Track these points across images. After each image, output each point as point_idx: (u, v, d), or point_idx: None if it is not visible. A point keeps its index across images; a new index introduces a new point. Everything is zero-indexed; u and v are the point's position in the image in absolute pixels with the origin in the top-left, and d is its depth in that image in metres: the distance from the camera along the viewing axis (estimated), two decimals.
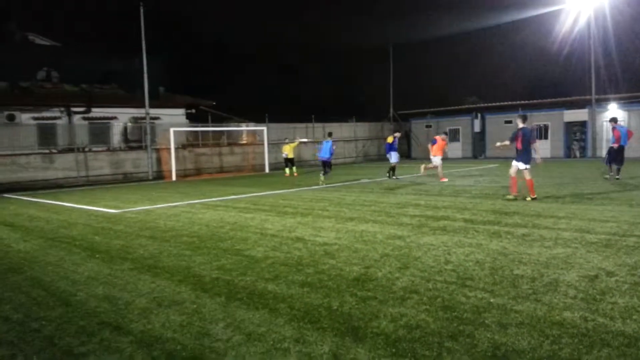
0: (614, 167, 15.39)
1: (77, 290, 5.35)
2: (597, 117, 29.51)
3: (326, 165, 17.66)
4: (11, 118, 23.64)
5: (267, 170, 26.87)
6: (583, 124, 30.31)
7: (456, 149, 35.31)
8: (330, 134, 19.19)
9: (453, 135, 35.46)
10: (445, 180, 16.79)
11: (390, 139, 18.62)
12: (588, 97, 30.22)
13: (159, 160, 24.81)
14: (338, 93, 43.19)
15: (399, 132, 20.02)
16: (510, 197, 11.50)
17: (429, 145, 17.56)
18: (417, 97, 38.80)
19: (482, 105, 36.23)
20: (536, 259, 5.89)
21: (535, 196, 11.24)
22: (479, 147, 34.32)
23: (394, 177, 18.35)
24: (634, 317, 3.84)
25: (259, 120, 30.20)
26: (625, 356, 3.24)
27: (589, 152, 29.93)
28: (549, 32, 33.65)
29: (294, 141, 23.77)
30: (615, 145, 15.31)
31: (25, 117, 23.99)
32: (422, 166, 18.01)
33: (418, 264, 5.91)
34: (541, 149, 31.49)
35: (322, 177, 17.49)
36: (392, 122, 37.79)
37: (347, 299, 4.67)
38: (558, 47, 33.68)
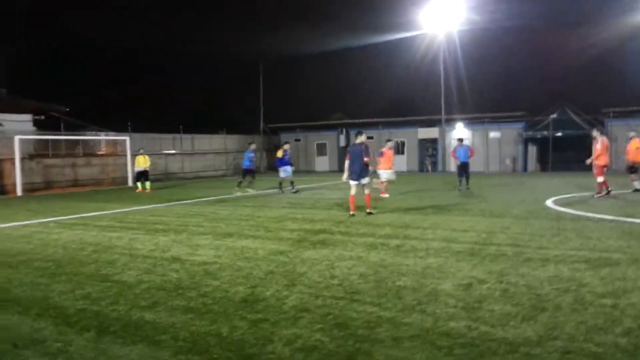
0: (461, 180, 17.53)
1: None
2: (447, 135, 32.68)
3: (246, 173, 18.11)
4: None
5: (129, 183, 25.01)
6: (434, 141, 33.37)
7: (324, 163, 36.56)
8: (250, 144, 19.36)
9: (320, 150, 36.75)
10: (387, 195, 15.34)
11: (279, 153, 18.28)
12: (439, 116, 33.39)
13: (0, 173, 21.71)
14: (209, 104, 42.00)
15: (288, 144, 18.73)
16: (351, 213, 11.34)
17: (377, 158, 15.36)
18: (287, 111, 39.47)
19: (347, 121, 37.98)
20: (413, 270, 6.15)
21: (370, 211, 11.38)
22: (343, 161, 35.87)
23: (290, 190, 17.97)
24: (511, 323, 4.15)
25: (121, 129, 28.07)
26: None
27: (440, 167, 32.96)
28: (411, 55, 36.80)
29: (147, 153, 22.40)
30: (458, 162, 17.86)
31: None
32: (374, 185, 14.85)
33: (304, 280, 5.82)
34: (398, 163, 34.54)
35: (235, 190, 17.84)
36: (263, 135, 37.87)
37: (236, 323, 4.39)
38: (416, 69, 37.00)
